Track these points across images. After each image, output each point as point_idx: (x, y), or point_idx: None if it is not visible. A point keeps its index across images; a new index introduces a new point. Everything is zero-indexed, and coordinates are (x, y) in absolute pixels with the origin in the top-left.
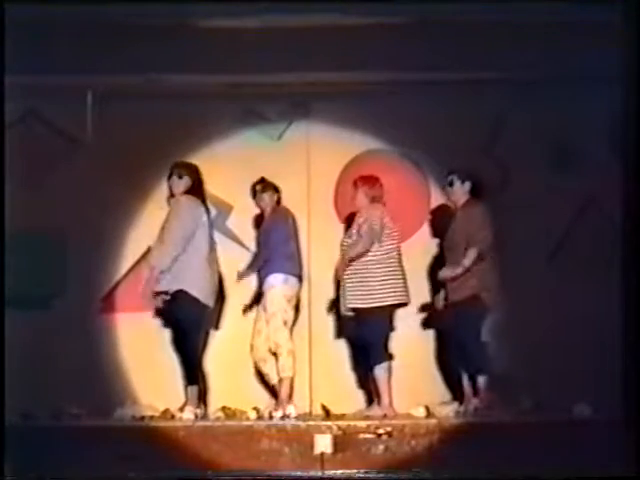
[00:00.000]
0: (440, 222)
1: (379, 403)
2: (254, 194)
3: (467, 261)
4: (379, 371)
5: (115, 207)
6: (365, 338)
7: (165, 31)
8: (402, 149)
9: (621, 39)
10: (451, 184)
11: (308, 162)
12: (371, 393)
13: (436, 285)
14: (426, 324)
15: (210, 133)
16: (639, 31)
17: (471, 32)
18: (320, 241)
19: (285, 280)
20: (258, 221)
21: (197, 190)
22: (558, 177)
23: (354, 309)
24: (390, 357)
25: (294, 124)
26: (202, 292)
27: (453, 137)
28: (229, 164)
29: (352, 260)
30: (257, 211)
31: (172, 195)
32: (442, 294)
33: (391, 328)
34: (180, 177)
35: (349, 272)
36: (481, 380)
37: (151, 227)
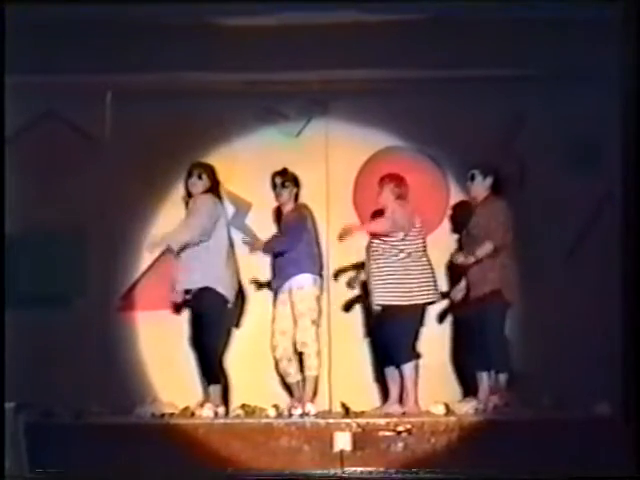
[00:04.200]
0: (460, 218)
1: (401, 400)
2: (274, 186)
3: (481, 252)
4: (407, 369)
5: (134, 205)
6: (394, 335)
7: (184, 30)
8: (421, 146)
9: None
10: (472, 178)
11: (327, 159)
12: (391, 391)
13: (456, 280)
14: (446, 320)
15: (229, 131)
16: None
17: (488, 29)
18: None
19: (314, 280)
20: (277, 215)
21: (215, 191)
22: (576, 174)
23: (384, 306)
24: (417, 356)
25: (313, 121)
26: (226, 290)
27: (471, 134)
28: (248, 162)
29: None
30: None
31: (189, 195)
32: (461, 289)
33: (421, 325)
34: (200, 177)
35: (377, 268)
36: (501, 377)
37: (170, 225)
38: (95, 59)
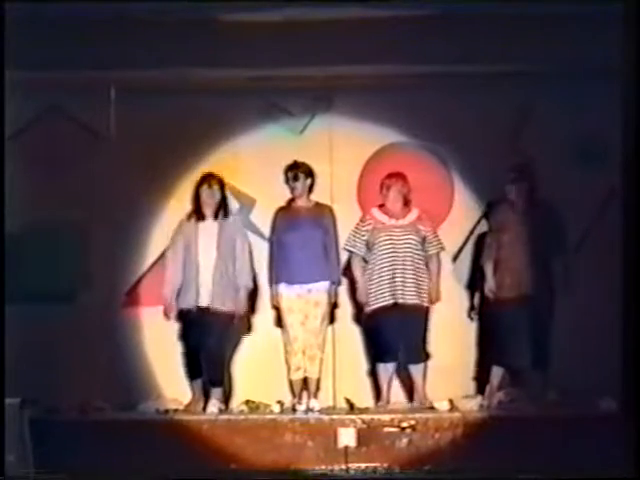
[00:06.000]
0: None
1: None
2: (287, 179)
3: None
4: (418, 368)
5: (138, 201)
6: (410, 334)
7: (188, 26)
8: (425, 142)
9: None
10: (513, 182)
11: (331, 155)
12: (383, 387)
13: (473, 281)
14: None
15: (233, 127)
16: None
17: (494, 25)
18: (343, 236)
19: (331, 287)
20: (289, 213)
21: (226, 206)
22: (582, 170)
23: (403, 304)
24: (428, 357)
25: (317, 118)
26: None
27: (476, 130)
28: (252, 158)
29: None
30: (280, 204)
31: (198, 198)
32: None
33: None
34: (219, 189)
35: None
36: (506, 373)
37: (174, 221)
38: (99, 55)
